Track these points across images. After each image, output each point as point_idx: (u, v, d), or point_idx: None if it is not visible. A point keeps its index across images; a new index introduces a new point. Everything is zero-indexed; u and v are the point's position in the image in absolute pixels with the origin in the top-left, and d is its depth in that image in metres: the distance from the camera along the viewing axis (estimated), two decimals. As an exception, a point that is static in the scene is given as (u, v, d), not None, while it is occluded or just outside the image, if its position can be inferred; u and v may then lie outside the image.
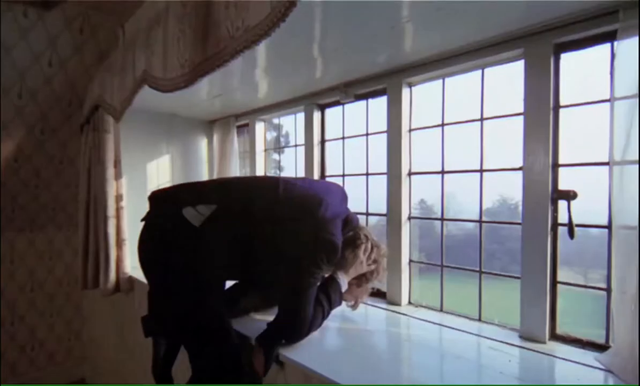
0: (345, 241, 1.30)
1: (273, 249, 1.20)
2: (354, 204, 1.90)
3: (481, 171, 1.42)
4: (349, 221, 1.35)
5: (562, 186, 1.21)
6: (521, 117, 1.26)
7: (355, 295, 1.43)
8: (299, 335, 1.19)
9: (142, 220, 1.25)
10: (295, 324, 1.17)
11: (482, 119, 1.41)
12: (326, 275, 1.33)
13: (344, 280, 1.32)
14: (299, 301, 1.16)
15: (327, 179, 2.06)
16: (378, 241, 1.42)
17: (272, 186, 1.25)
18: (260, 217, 1.19)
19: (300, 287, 1.17)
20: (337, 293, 1.29)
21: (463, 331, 1.33)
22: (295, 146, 2.21)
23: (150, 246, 1.21)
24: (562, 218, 1.21)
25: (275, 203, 1.21)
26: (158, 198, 1.27)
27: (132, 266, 2.15)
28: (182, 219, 1.13)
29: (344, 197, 1.44)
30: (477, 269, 1.43)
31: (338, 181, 1.97)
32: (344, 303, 1.39)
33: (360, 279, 1.39)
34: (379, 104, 1.71)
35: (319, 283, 1.25)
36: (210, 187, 1.38)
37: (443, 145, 1.53)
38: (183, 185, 1.48)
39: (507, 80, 1.36)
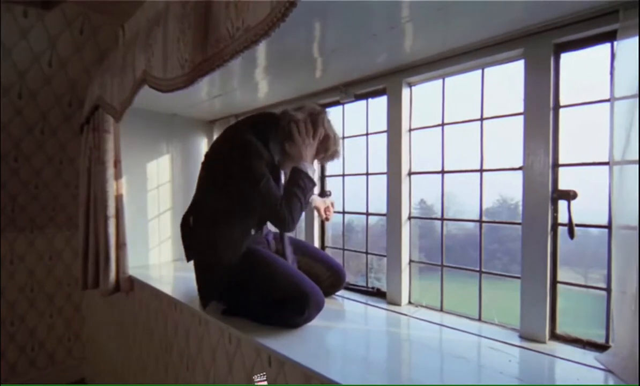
0: (280, 136, 1.44)
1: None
2: (354, 204, 1.91)
3: (481, 171, 1.42)
4: (266, 117, 1.50)
5: (562, 186, 1.21)
6: (521, 117, 1.26)
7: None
8: (284, 227, 1.36)
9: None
10: (273, 220, 1.37)
11: (482, 119, 1.41)
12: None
13: (305, 164, 1.40)
14: (262, 201, 1.33)
15: (327, 178, 2.06)
16: (314, 114, 1.47)
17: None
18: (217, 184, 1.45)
19: (254, 192, 1.33)
20: (305, 178, 1.38)
21: (463, 331, 1.33)
22: (295, 146, 2.20)
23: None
24: (562, 217, 1.21)
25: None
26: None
27: (132, 266, 2.16)
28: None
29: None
30: (477, 269, 1.43)
31: (338, 180, 1.97)
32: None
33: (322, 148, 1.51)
34: (379, 104, 1.71)
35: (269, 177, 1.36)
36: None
37: (443, 145, 1.53)
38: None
39: (507, 80, 1.36)
